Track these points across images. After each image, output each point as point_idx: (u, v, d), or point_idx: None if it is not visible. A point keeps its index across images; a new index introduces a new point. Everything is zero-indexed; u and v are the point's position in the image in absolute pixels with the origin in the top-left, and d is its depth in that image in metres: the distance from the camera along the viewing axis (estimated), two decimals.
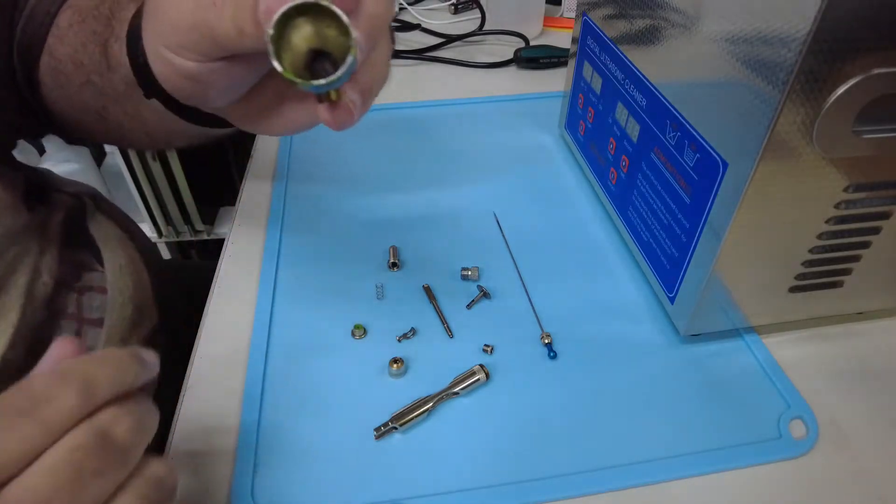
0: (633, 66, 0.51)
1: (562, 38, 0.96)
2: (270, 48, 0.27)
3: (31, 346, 0.44)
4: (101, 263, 0.54)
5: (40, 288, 0.46)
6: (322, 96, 0.31)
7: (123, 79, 0.43)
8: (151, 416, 0.30)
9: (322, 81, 0.28)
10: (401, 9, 1.05)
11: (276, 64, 0.27)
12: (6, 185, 0.46)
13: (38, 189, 0.52)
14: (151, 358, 0.32)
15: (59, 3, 0.47)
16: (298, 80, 0.27)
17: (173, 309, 0.62)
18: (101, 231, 0.56)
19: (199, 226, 1.63)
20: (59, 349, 0.31)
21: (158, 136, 0.50)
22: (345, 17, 0.27)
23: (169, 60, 0.33)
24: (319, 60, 0.28)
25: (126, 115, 0.48)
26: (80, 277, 0.50)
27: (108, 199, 0.63)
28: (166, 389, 0.54)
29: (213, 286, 0.54)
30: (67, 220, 0.52)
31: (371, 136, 0.72)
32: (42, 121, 0.51)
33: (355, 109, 0.31)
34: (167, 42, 0.32)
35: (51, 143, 1.46)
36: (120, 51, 0.41)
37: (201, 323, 0.51)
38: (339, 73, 0.27)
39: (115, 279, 0.53)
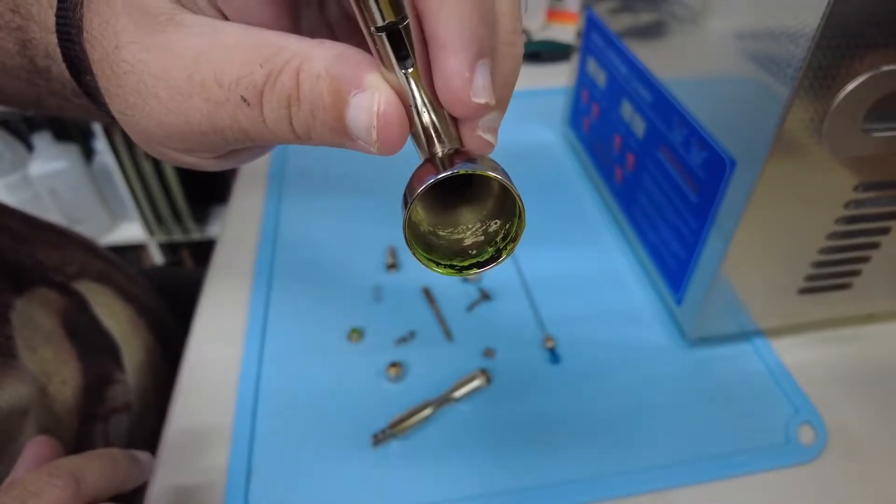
0: (639, 61, 0.50)
1: (565, 33, 0.94)
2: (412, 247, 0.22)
3: None
4: (120, 365, 0.49)
5: (67, 432, 0.41)
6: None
7: (59, 88, 0.32)
8: None
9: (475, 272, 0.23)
10: None
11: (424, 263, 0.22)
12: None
13: (18, 288, 0.44)
14: (146, 458, 0.32)
15: None
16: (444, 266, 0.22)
17: (171, 329, 0.60)
18: (112, 315, 0.50)
19: (190, 225, 1.63)
20: (35, 448, 0.32)
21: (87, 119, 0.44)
22: (517, 197, 0.21)
23: (167, 156, 0.26)
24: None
25: (57, 107, 0.37)
26: (104, 399, 0.45)
27: (99, 249, 0.57)
28: (158, 396, 0.53)
29: (204, 288, 0.53)
30: (70, 322, 0.46)
31: None
32: None
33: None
34: (166, 144, 0.25)
35: (40, 141, 1.45)
36: (52, 67, 0.30)
37: (192, 327, 0.50)
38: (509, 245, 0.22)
39: (138, 385, 0.49)
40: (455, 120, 0.22)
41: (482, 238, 0.23)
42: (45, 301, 0.45)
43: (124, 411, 0.47)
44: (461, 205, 0.23)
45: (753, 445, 0.41)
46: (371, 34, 0.19)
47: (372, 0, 0.18)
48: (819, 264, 0.42)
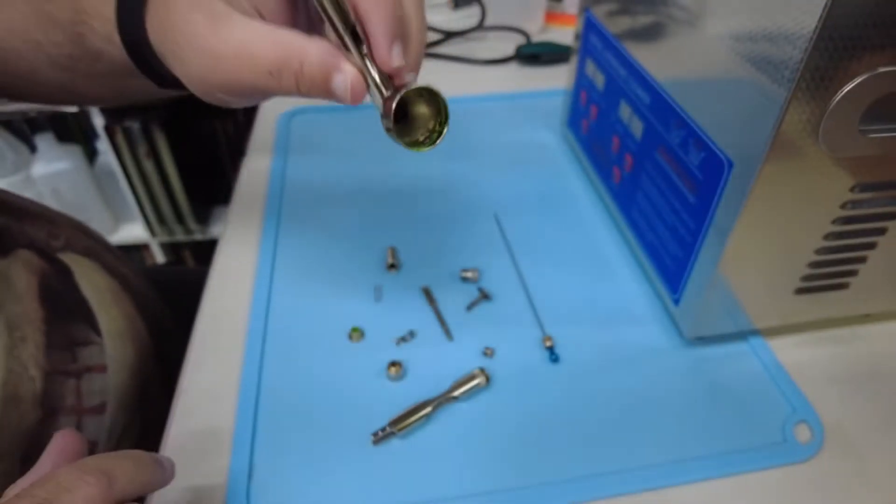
0: (637, 63, 0.50)
1: (564, 34, 0.95)
2: (392, 132, 0.35)
3: (26, 453, 0.41)
4: (97, 331, 0.49)
5: (27, 384, 0.42)
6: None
7: (112, 68, 0.42)
8: None
9: (427, 147, 0.37)
10: None
11: (393, 136, 0.35)
12: None
13: (2, 248, 0.46)
14: (168, 463, 0.33)
15: None
16: (414, 148, 0.37)
17: (174, 344, 0.59)
18: (93, 287, 0.51)
19: (193, 225, 1.63)
20: (61, 440, 0.33)
21: (121, 99, 0.51)
22: (443, 99, 0.35)
23: (214, 96, 0.37)
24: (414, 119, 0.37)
25: (101, 88, 0.46)
26: (76, 357, 0.46)
27: (90, 230, 0.58)
28: (160, 394, 0.54)
29: (206, 288, 0.53)
30: (46, 287, 0.47)
31: (369, 135, 0.71)
32: None
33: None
34: (214, 90, 0.36)
35: (42, 141, 1.46)
36: (110, 50, 0.40)
37: (194, 325, 0.50)
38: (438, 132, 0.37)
39: (115, 348, 0.50)
40: (391, 77, 0.35)
41: (428, 132, 0.37)
42: (26, 262, 0.47)
43: (99, 371, 0.47)
44: (411, 118, 0.37)
45: (751, 444, 0.42)
46: (340, 34, 0.34)
47: (339, 18, 0.33)
48: (816, 264, 0.42)
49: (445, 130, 0.36)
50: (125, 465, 0.31)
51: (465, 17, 1.01)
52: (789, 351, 0.47)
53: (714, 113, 0.40)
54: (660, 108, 0.47)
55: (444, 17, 1.00)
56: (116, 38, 0.39)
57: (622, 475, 0.40)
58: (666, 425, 0.43)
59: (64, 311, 0.47)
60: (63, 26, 0.41)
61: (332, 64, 0.33)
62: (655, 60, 0.47)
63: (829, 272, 0.43)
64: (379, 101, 0.35)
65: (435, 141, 0.37)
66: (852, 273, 0.44)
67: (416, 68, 0.37)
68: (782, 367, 0.46)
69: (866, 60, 0.32)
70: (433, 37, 0.93)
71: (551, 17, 1.00)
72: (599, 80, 0.58)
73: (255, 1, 0.35)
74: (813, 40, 0.31)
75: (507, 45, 0.91)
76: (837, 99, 0.33)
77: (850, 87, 0.33)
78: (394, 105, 0.34)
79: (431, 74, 0.86)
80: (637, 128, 0.51)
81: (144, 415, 0.52)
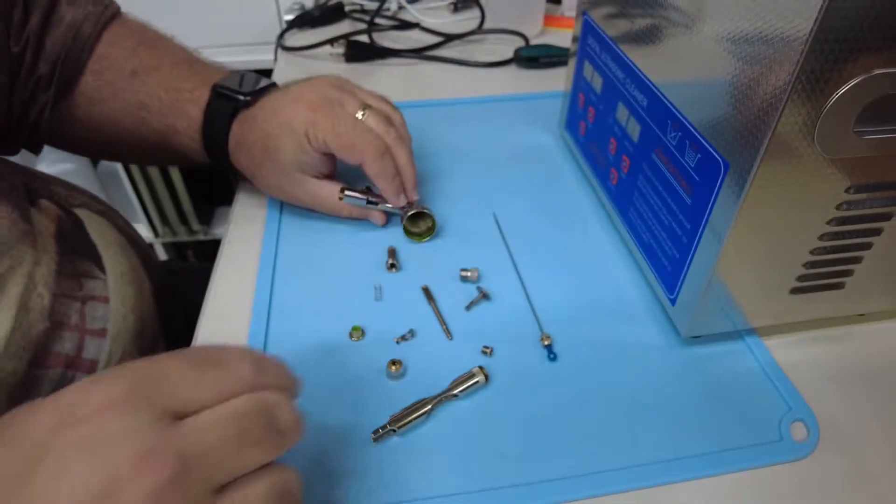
0: (634, 65, 0.50)
1: (562, 38, 0.95)
2: (406, 228, 0.58)
3: (33, 358, 0.44)
4: (103, 270, 0.54)
5: (35, 300, 0.46)
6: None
7: (189, 157, 0.62)
8: (303, 423, 0.32)
9: (425, 239, 0.59)
10: (400, 7, 1.05)
11: (408, 236, 0.59)
12: None
13: (29, 197, 0.51)
14: (298, 379, 0.35)
15: (88, 51, 0.58)
16: (413, 238, 0.59)
17: (173, 316, 0.63)
18: (102, 237, 0.56)
19: (196, 226, 1.63)
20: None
21: (173, 164, 0.70)
22: (432, 214, 0.58)
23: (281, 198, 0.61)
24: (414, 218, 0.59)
25: (172, 161, 0.71)
26: (82, 287, 0.50)
27: (105, 201, 0.63)
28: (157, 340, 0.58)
29: (210, 287, 0.54)
30: (61, 230, 0.52)
31: None
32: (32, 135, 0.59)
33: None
34: (286, 200, 0.61)
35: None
36: (193, 151, 0.60)
37: (197, 324, 0.50)
38: (430, 234, 0.59)
39: (117, 287, 0.53)
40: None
41: (425, 230, 0.59)
42: (46, 209, 0.52)
43: (101, 301, 0.51)
44: (418, 220, 0.59)
45: (747, 442, 0.42)
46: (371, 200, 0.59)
47: (370, 194, 0.59)
48: (811, 265, 0.43)
49: (434, 231, 0.59)
50: (272, 363, 0.33)
51: (465, 21, 1.01)
52: (785, 350, 0.48)
53: (710, 115, 0.40)
54: (657, 111, 0.47)
55: (443, 21, 1.00)
56: (202, 150, 0.60)
57: (619, 473, 0.40)
58: (663, 423, 0.43)
59: (74, 250, 0.52)
60: (154, 130, 0.60)
61: (368, 214, 0.60)
62: (652, 63, 0.48)
63: (825, 272, 0.44)
64: (398, 210, 0.58)
65: (429, 235, 0.59)
66: (847, 273, 0.44)
67: (412, 194, 0.58)
68: (778, 366, 0.47)
69: (861, 63, 0.32)
70: (434, 39, 0.94)
71: (550, 20, 1.01)
72: (597, 82, 0.59)
73: (315, 168, 0.56)
74: (809, 43, 0.31)
75: (506, 47, 0.92)
76: (833, 101, 0.33)
77: (846, 89, 0.33)
78: (405, 216, 0.57)
79: (432, 77, 0.87)
80: (634, 130, 0.51)
81: (139, 355, 0.54)
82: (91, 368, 0.47)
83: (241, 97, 0.57)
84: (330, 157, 0.56)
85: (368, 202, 0.58)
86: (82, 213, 0.57)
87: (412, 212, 0.57)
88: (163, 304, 0.61)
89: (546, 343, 0.48)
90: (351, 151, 0.54)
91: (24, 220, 0.48)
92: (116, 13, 0.61)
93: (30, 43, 0.54)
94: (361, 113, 0.56)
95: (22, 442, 0.26)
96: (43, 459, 0.25)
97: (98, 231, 0.56)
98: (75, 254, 0.51)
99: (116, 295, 0.53)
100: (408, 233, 0.58)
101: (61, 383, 0.45)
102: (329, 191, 0.57)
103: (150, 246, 0.68)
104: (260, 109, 0.56)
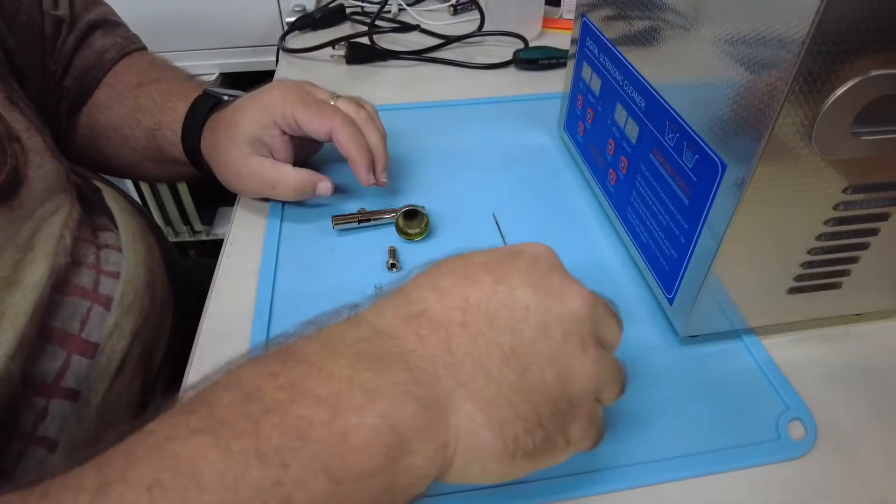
0: (633, 67, 0.51)
1: (561, 40, 0.96)
2: (399, 225, 0.58)
3: (55, 284, 0.48)
4: (115, 226, 0.58)
5: (62, 241, 0.50)
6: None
7: (171, 158, 0.66)
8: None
9: (418, 238, 0.59)
10: (400, 10, 1.05)
11: (399, 227, 0.59)
12: (46, 138, 0.53)
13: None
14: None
15: (105, 70, 0.67)
16: (406, 237, 0.59)
17: (180, 282, 0.66)
18: (116, 203, 0.60)
19: (198, 226, 1.63)
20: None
21: (168, 179, 0.76)
22: (424, 212, 0.58)
23: (243, 195, 0.63)
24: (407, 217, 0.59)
25: (159, 170, 0.71)
26: (97, 237, 0.54)
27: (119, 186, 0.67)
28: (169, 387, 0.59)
29: (212, 287, 0.54)
30: (81, 192, 0.55)
31: None
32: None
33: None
34: (240, 192, 0.62)
35: None
36: (173, 149, 0.64)
37: (200, 323, 0.51)
38: (424, 232, 0.59)
39: (129, 242, 0.57)
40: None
41: (419, 229, 0.59)
42: (68, 177, 0.56)
43: (115, 250, 0.55)
44: (412, 220, 0.59)
45: (744, 441, 0.42)
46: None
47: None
48: (809, 265, 0.43)
49: (428, 230, 0.59)
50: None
51: (465, 23, 1.02)
52: (783, 349, 0.48)
53: (708, 116, 0.41)
54: (655, 112, 0.47)
55: (443, 23, 1.01)
56: (180, 144, 0.63)
57: (616, 471, 0.41)
58: (660, 422, 0.44)
59: (92, 208, 0.57)
60: (145, 129, 0.65)
61: (315, 179, 0.59)
62: (650, 65, 0.48)
63: (822, 272, 0.44)
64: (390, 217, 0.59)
65: (422, 234, 0.58)
66: (845, 273, 0.44)
67: (381, 175, 0.59)
68: (776, 365, 0.47)
69: (859, 64, 0.32)
70: (434, 41, 0.94)
71: (549, 22, 1.01)
72: (595, 83, 0.59)
73: (273, 151, 0.57)
74: (806, 44, 0.31)
75: (506, 49, 0.92)
76: (830, 102, 0.34)
77: (843, 90, 0.33)
78: (400, 212, 0.58)
79: (432, 79, 0.87)
80: (632, 131, 0.51)
81: (150, 308, 0.57)
82: (106, 302, 0.51)
83: (227, 97, 0.62)
84: (288, 141, 0.57)
85: (360, 222, 0.59)
86: (100, 184, 0.61)
87: (406, 209, 0.58)
88: (172, 267, 0.65)
89: None
90: (320, 120, 0.55)
91: (68, 179, 0.53)
92: (141, 48, 0.71)
93: (61, 61, 0.64)
94: (333, 100, 0.59)
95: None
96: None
97: (113, 199, 0.60)
98: (92, 211, 0.56)
99: (128, 248, 0.56)
100: (401, 232, 0.58)
101: (78, 310, 0.49)
102: (272, 169, 0.57)
103: (161, 229, 0.73)
104: (237, 100, 0.60)
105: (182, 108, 0.63)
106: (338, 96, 0.60)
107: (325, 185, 0.59)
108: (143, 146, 0.66)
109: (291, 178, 0.58)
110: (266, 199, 0.62)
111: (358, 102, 0.61)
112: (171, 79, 0.67)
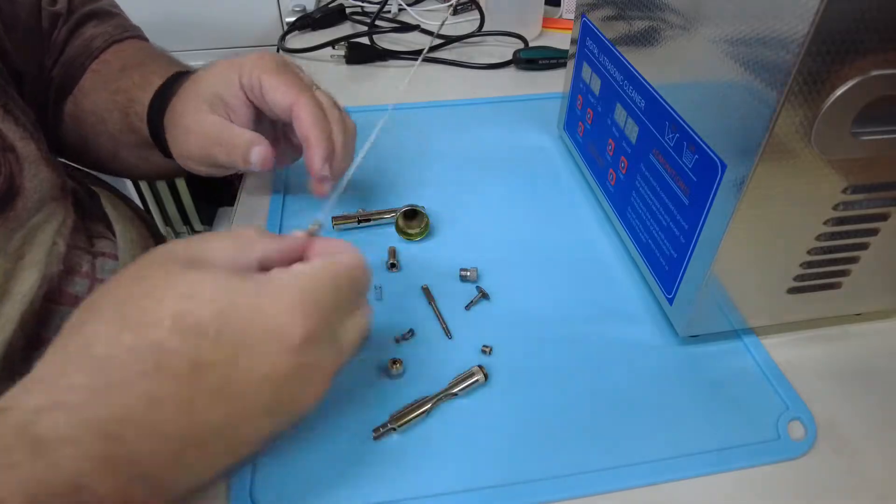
0: (632, 67, 0.51)
1: (561, 40, 0.96)
2: (400, 225, 0.58)
3: (48, 292, 0.48)
4: (112, 233, 0.58)
5: (53, 247, 0.50)
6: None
7: (141, 140, 0.62)
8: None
9: (417, 238, 0.59)
10: (400, 10, 1.05)
11: (399, 228, 0.58)
12: (41, 146, 0.53)
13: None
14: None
15: (92, 58, 0.65)
16: (406, 237, 0.59)
17: None
18: (115, 210, 0.60)
19: (198, 226, 1.63)
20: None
21: (147, 171, 0.69)
22: (424, 212, 0.58)
23: (189, 167, 0.57)
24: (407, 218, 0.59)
25: (134, 158, 0.67)
26: (93, 245, 0.54)
27: (119, 190, 0.68)
28: None
29: None
30: (78, 199, 0.55)
31: (369, 138, 0.72)
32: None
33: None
34: (186, 161, 0.56)
35: None
36: (141, 126, 0.60)
37: None
38: (424, 232, 0.59)
39: (127, 249, 0.57)
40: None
41: (419, 229, 0.58)
42: (65, 184, 0.56)
43: (111, 258, 0.56)
44: (411, 218, 0.59)
45: (744, 441, 0.42)
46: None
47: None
48: (808, 265, 0.43)
49: (428, 229, 0.58)
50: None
51: (465, 23, 1.02)
52: (782, 349, 0.48)
53: (708, 116, 0.41)
54: (654, 112, 0.47)
55: (444, 23, 1.00)
56: (146, 121, 0.60)
57: (616, 471, 0.41)
58: (661, 422, 0.44)
59: (88, 215, 0.57)
60: (120, 108, 0.62)
61: (254, 142, 0.52)
62: (650, 64, 0.48)
63: (822, 272, 0.44)
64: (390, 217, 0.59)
65: (422, 234, 0.58)
66: (844, 273, 0.44)
67: (339, 169, 0.53)
68: (775, 365, 0.47)
69: (858, 64, 0.32)
70: (434, 42, 0.94)
71: (548, 22, 1.01)
72: (595, 84, 0.59)
73: (230, 113, 0.53)
74: (806, 44, 0.31)
75: (506, 49, 0.92)
76: (830, 102, 0.34)
77: (843, 90, 0.33)
78: (400, 212, 0.58)
79: (431, 79, 0.87)
80: (632, 131, 0.52)
81: None
82: None
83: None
84: (249, 107, 0.53)
85: (360, 222, 0.59)
86: (98, 189, 0.62)
87: (406, 209, 0.57)
88: None
89: (544, 342, 0.48)
90: (286, 89, 0.50)
91: (62, 188, 0.53)
92: (137, 37, 0.69)
93: (53, 54, 0.63)
94: (312, 88, 0.55)
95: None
96: None
97: (111, 205, 0.60)
98: (88, 219, 0.56)
99: (126, 255, 0.56)
100: (401, 232, 0.58)
101: None
102: (220, 124, 0.53)
103: (162, 235, 0.74)
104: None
105: (157, 83, 0.60)
106: (317, 87, 0.56)
107: (258, 151, 0.52)
108: (118, 130, 0.63)
109: (240, 135, 0.52)
110: (217, 180, 0.62)
111: (336, 102, 0.56)
112: (157, 62, 0.64)
